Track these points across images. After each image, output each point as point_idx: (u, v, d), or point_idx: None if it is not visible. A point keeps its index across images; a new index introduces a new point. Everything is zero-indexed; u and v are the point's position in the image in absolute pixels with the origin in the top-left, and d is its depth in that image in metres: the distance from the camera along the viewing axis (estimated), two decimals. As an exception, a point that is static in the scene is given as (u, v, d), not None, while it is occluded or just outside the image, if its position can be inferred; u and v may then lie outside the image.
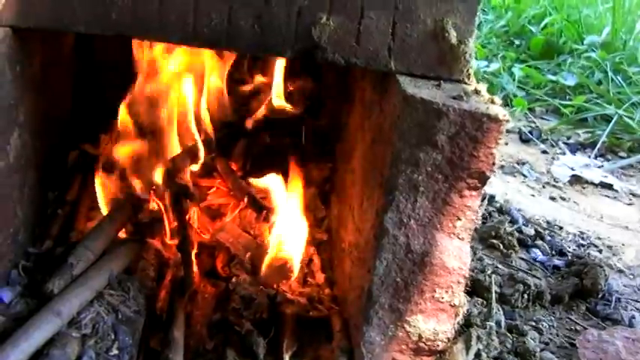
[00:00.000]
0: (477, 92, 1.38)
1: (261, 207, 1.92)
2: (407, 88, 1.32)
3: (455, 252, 1.40)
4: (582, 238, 2.54)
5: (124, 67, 1.98)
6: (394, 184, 1.34)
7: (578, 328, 1.96)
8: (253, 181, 1.95)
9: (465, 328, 1.65)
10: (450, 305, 1.45)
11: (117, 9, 1.34)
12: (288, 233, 1.74)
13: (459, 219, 1.38)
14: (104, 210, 1.78)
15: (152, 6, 1.35)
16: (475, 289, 1.96)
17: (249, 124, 2.22)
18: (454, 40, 1.37)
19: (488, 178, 1.35)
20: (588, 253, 2.34)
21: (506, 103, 3.96)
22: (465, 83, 1.42)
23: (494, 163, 1.33)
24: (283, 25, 1.36)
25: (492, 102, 1.35)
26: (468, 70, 1.42)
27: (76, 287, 1.46)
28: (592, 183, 3.13)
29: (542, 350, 1.78)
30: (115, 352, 1.44)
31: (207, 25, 1.36)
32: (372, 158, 1.50)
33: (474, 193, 1.36)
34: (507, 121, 1.29)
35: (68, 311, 1.41)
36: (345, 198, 1.74)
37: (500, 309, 1.90)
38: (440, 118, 1.29)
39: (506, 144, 3.46)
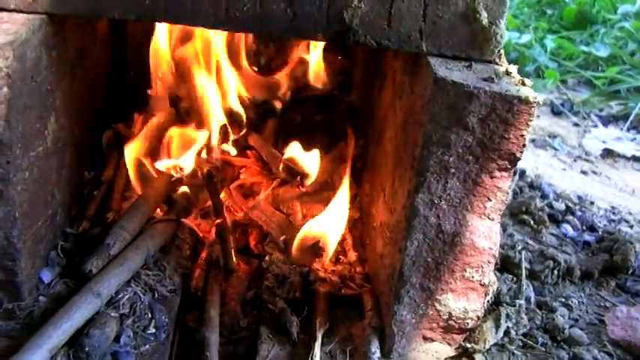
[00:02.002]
0: (507, 73, 1.39)
1: (295, 173, 1.94)
2: (438, 70, 1.33)
3: (485, 232, 1.42)
4: (613, 213, 2.53)
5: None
6: (425, 166, 1.35)
7: (607, 304, 1.97)
8: (287, 151, 1.97)
9: (494, 306, 1.67)
10: (480, 284, 1.47)
11: (150, -5, 1.36)
12: (324, 212, 1.76)
13: (490, 199, 1.39)
14: (139, 190, 1.81)
15: (185, -7, 1.37)
16: (505, 265, 1.98)
17: (279, 103, 2.24)
18: (485, 22, 1.38)
19: (519, 159, 1.36)
20: (619, 229, 2.33)
21: (538, 74, 3.94)
22: (496, 64, 1.42)
23: (524, 145, 1.34)
24: (315, 8, 1.37)
25: (523, 84, 1.35)
26: (499, 51, 1.42)
27: (113, 267, 1.50)
28: (624, 156, 3.11)
29: (571, 327, 1.80)
30: (152, 330, 1.48)
31: (240, 10, 1.37)
32: (403, 139, 1.51)
33: (504, 174, 1.37)
34: (538, 103, 1.30)
35: (107, 292, 1.45)
36: (377, 176, 1.75)
37: (530, 285, 1.91)
38: (471, 101, 1.30)
39: (538, 116, 3.44)
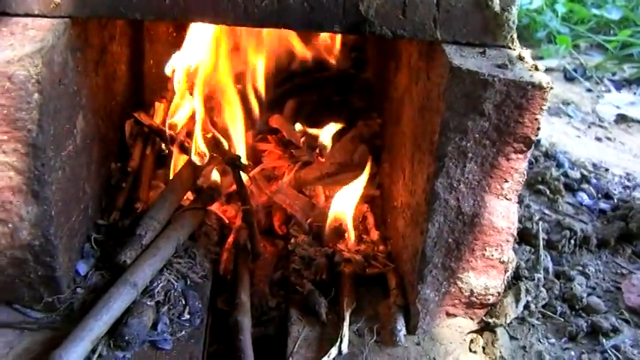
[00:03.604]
0: (521, 58, 1.43)
1: (314, 147, 2.01)
2: (453, 58, 1.37)
3: (503, 212, 1.47)
4: (628, 180, 2.56)
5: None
6: (444, 152, 1.40)
7: (624, 271, 2.01)
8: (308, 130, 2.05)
9: (514, 280, 1.73)
10: (500, 262, 1.53)
11: (171, -4, 1.40)
12: (343, 194, 1.82)
13: (507, 181, 1.44)
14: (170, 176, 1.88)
15: (204, -8, 1.41)
16: (523, 237, 2.03)
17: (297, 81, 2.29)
18: (497, 8, 1.41)
19: (534, 142, 1.40)
20: (634, 197, 2.36)
21: (550, 40, 3.94)
22: (510, 48, 1.46)
23: (539, 128, 1.39)
24: (331, 1, 1.40)
25: (536, 69, 1.39)
26: (512, 36, 1.46)
27: (147, 257, 1.56)
28: (638, 121, 3.13)
29: (589, 295, 1.85)
30: (186, 316, 1.55)
31: (258, 6, 1.41)
32: (421, 124, 1.55)
33: (520, 156, 1.41)
34: (551, 88, 1.34)
35: (142, 282, 1.52)
36: (396, 157, 1.80)
37: (547, 255, 1.96)
38: (486, 88, 1.34)
39: (551, 83, 3.46)
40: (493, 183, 1.44)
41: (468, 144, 1.39)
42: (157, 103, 2.10)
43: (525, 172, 1.46)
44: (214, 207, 1.85)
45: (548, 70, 3.31)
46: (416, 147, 1.58)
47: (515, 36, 1.47)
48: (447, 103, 1.36)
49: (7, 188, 1.36)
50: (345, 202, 1.81)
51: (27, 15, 1.41)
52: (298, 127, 2.10)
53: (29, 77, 1.27)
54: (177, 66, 2.01)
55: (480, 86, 1.34)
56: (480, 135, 1.38)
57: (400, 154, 1.74)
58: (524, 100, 1.35)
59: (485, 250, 1.50)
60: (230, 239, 1.80)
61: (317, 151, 2.01)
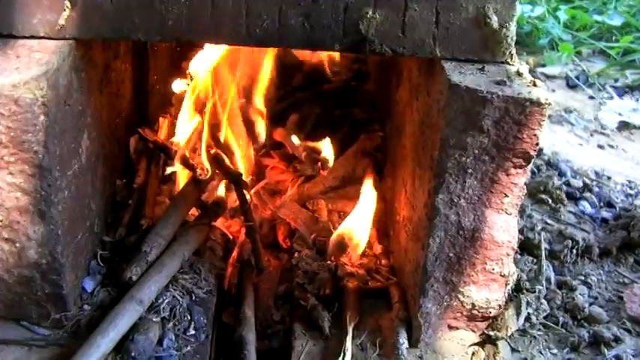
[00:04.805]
0: (519, 74, 1.44)
1: (317, 160, 2.04)
2: (452, 75, 1.39)
3: (503, 226, 1.49)
4: (630, 188, 2.57)
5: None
6: (444, 168, 1.42)
7: (626, 280, 2.03)
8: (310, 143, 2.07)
9: (516, 293, 1.74)
10: (501, 275, 1.55)
11: (173, 17, 1.41)
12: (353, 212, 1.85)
13: (507, 195, 1.46)
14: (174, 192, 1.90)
15: (206, 12, 1.42)
16: (525, 247, 2.04)
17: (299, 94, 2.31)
18: (496, 25, 1.43)
19: (533, 157, 1.42)
20: (636, 206, 2.38)
21: (552, 47, 3.96)
22: (508, 64, 1.48)
23: (537, 143, 1.40)
24: (332, 21, 1.42)
25: (534, 85, 1.41)
26: (510, 52, 1.48)
27: (152, 274, 1.58)
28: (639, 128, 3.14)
29: (590, 305, 1.87)
30: (192, 332, 1.57)
31: (260, 27, 1.43)
32: (421, 140, 1.57)
33: (519, 170, 1.43)
34: (549, 104, 1.36)
35: (148, 298, 1.53)
36: (398, 170, 1.82)
37: (549, 266, 1.98)
38: (485, 105, 1.36)
39: (554, 91, 3.48)
40: (493, 198, 1.46)
41: (468, 160, 1.41)
42: (161, 118, 2.12)
43: (525, 186, 1.48)
44: (219, 221, 1.87)
45: (550, 78, 3.32)
46: (417, 162, 1.60)
47: (514, 51, 1.49)
48: (446, 119, 1.38)
49: (15, 209, 1.38)
50: (355, 222, 1.83)
51: (32, 37, 1.43)
52: (296, 140, 2.12)
53: (35, 100, 1.29)
54: (181, 81, 2.03)
55: (479, 103, 1.36)
56: (479, 151, 1.40)
57: (402, 168, 1.76)
58: (522, 116, 1.36)
59: (486, 263, 1.52)
60: (234, 254, 1.82)
61: (319, 165, 2.03)
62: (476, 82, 1.38)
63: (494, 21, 1.43)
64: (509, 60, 1.48)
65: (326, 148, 2.07)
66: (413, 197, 1.63)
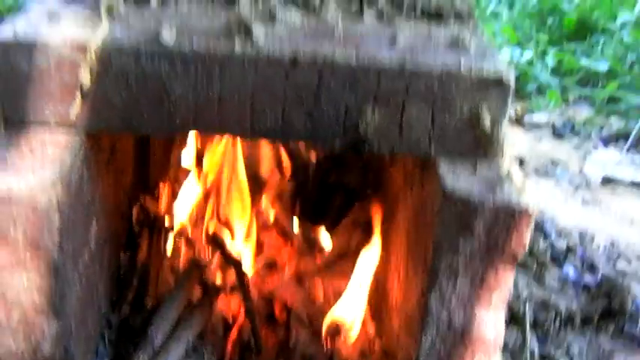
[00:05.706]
0: (509, 176, 1.52)
1: (313, 245, 2.09)
2: (446, 178, 1.46)
3: (491, 322, 1.56)
4: (612, 247, 2.65)
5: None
6: (437, 270, 1.48)
7: (607, 349, 2.10)
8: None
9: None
10: (489, 366, 1.62)
11: (180, 114, 1.46)
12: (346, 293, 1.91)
13: (495, 292, 1.53)
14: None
15: (212, 108, 1.47)
16: (511, 318, 2.11)
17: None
18: (487, 127, 1.50)
19: (520, 257, 1.49)
20: (617, 270, 2.45)
21: (540, 91, 4.04)
22: (500, 160, 1.55)
23: (526, 245, 1.48)
24: (332, 121, 1.49)
25: (523, 190, 1.48)
26: (502, 150, 1.55)
27: (159, 362, 1.64)
28: (623, 183, 3.22)
29: (572, 377, 1.95)
30: (195, 416, 1.63)
31: (264, 123, 1.50)
32: (414, 235, 1.64)
33: (508, 269, 1.51)
34: (536, 213, 1.44)
35: (155, 388, 1.59)
36: (391, 251, 1.88)
37: (533, 336, 2.05)
38: (477, 213, 1.43)
39: (540, 140, 3.56)
40: (482, 295, 1.53)
41: (459, 260, 1.48)
42: (161, 184, 2.17)
43: (512, 285, 1.55)
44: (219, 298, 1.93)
45: (537, 127, 3.39)
46: (410, 256, 1.67)
47: (505, 149, 1.56)
48: (439, 223, 1.45)
49: (31, 308, 1.43)
50: (349, 305, 1.89)
51: (44, 123, 1.47)
52: (296, 225, 2.16)
53: (51, 205, 1.34)
54: (185, 152, 2.09)
55: (472, 209, 1.43)
56: (470, 252, 1.47)
57: (394, 250, 1.83)
58: (512, 222, 1.44)
59: (474, 357, 1.59)
60: (234, 333, 1.87)
61: (316, 247, 2.08)
62: (468, 187, 1.45)
63: (487, 122, 1.50)
64: (500, 157, 1.55)
65: (323, 234, 2.11)
66: (406, 287, 1.70)
